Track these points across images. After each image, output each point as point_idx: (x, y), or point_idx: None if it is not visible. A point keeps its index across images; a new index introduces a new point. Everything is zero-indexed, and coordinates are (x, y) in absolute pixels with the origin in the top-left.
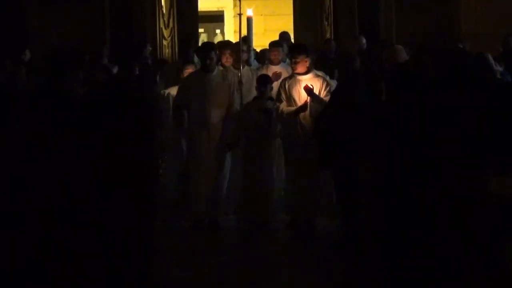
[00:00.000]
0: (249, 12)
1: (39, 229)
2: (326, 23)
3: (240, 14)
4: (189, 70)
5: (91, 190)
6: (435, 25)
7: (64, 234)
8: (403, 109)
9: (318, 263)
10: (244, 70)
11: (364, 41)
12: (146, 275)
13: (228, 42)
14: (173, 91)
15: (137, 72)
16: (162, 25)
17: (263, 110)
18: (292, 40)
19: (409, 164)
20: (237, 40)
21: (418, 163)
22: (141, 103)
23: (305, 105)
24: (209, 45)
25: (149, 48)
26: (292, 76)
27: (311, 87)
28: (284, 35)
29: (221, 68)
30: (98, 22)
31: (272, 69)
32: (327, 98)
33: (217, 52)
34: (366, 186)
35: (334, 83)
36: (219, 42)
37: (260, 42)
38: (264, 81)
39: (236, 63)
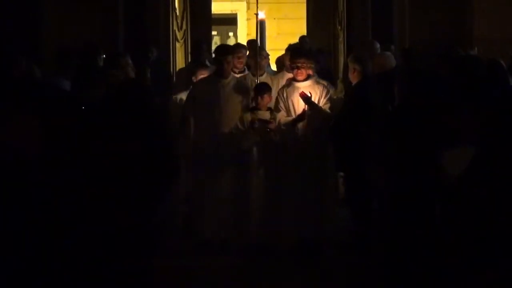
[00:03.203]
0: (261, 15)
1: (41, 228)
2: (339, 27)
3: (257, 14)
4: (202, 74)
5: (100, 195)
6: (449, 30)
7: (68, 234)
8: (416, 114)
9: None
10: (264, 77)
11: (377, 45)
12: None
13: (240, 44)
14: (185, 96)
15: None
16: (175, 27)
17: (261, 122)
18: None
19: (421, 168)
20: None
21: (430, 167)
22: (155, 108)
23: (303, 114)
24: (226, 47)
25: (154, 51)
26: (290, 83)
27: (309, 94)
28: (303, 39)
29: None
30: (112, 23)
31: (287, 76)
32: (326, 107)
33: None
34: (377, 190)
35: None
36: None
37: (272, 46)
38: (261, 90)
39: (255, 69)
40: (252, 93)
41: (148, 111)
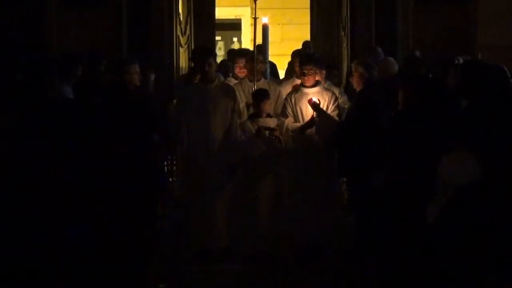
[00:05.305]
0: (264, 19)
1: (39, 229)
2: (343, 33)
3: (255, 18)
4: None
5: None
6: (452, 37)
7: (63, 235)
8: (418, 120)
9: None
10: (260, 83)
11: (380, 51)
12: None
13: (243, 50)
14: None
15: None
16: (179, 32)
17: (264, 129)
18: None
19: (422, 175)
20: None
21: (431, 175)
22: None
23: (311, 121)
24: (206, 49)
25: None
26: (299, 89)
27: (318, 101)
28: (307, 44)
29: (233, 80)
30: (115, 28)
31: (296, 83)
32: (334, 113)
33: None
34: (379, 195)
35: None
36: (232, 50)
37: (277, 51)
38: (260, 96)
39: (251, 75)
40: (247, 100)
41: (134, 112)
